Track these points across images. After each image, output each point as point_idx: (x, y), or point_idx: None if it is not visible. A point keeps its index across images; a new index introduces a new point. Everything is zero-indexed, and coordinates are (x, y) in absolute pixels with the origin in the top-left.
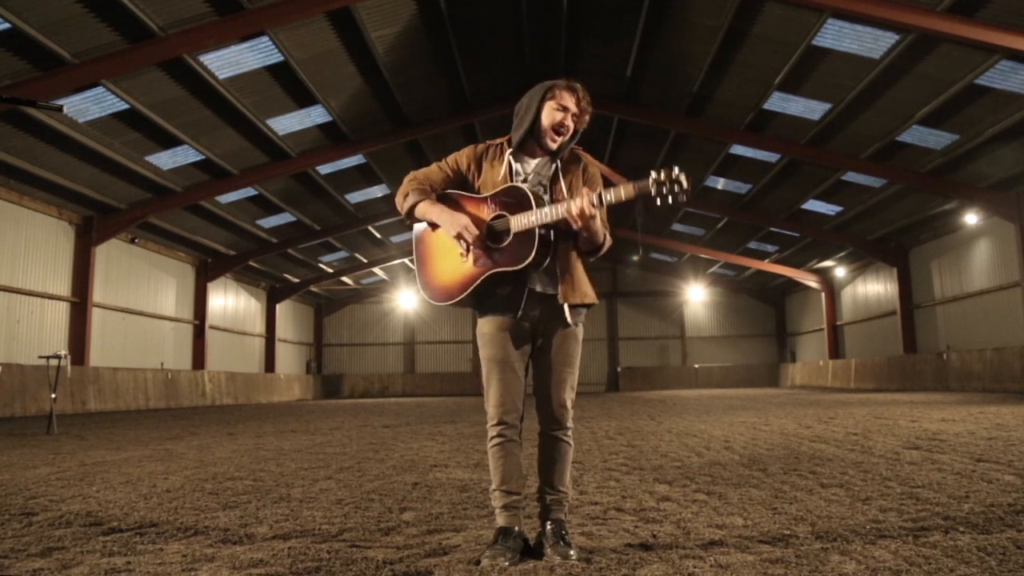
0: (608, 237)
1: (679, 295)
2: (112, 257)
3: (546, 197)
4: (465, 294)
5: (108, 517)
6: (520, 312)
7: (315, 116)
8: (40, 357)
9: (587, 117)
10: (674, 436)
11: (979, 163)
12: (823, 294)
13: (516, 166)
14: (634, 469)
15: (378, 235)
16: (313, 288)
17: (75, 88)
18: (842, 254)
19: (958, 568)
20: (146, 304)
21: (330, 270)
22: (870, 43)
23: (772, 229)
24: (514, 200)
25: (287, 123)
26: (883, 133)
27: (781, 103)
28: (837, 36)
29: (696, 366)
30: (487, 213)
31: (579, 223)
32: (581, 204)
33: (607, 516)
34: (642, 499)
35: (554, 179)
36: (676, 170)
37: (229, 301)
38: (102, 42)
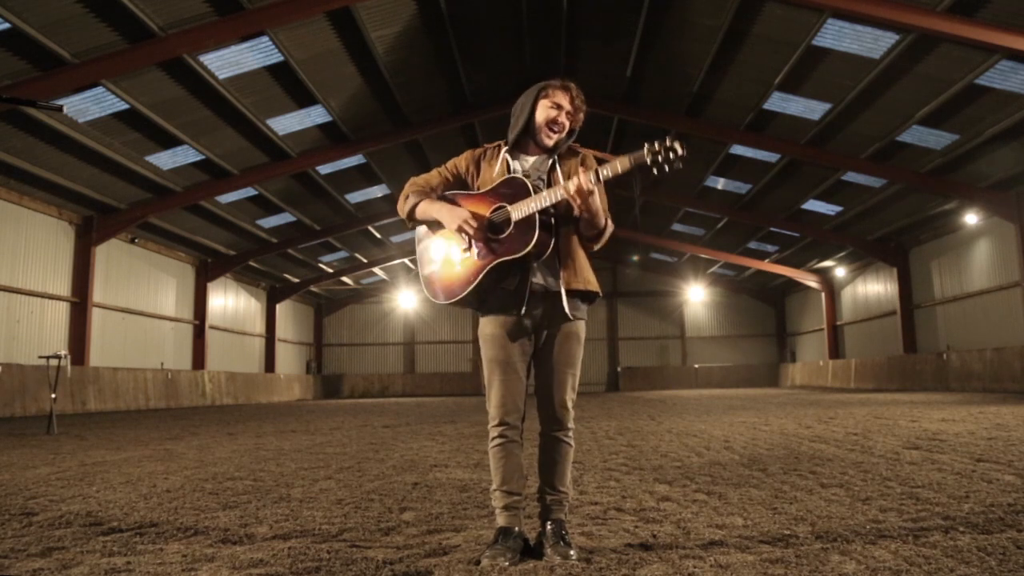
0: (610, 222)
1: (679, 295)
2: (112, 257)
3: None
4: (471, 288)
5: (108, 517)
6: (523, 309)
7: (315, 116)
8: (40, 357)
9: (582, 115)
10: (674, 436)
11: (979, 163)
12: (823, 294)
13: (514, 164)
14: (634, 469)
15: (378, 235)
16: (313, 288)
17: (75, 88)
18: (842, 254)
19: (958, 568)
20: (146, 304)
21: (330, 270)
22: (870, 43)
23: (772, 229)
24: (512, 191)
25: (287, 123)
26: (883, 133)
27: (781, 103)
28: (837, 36)
29: (696, 366)
30: (487, 207)
31: (578, 201)
32: (579, 181)
33: (607, 516)
34: (642, 499)
35: (551, 171)
36: (669, 139)
37: (229, 301)
38: (102, 42)
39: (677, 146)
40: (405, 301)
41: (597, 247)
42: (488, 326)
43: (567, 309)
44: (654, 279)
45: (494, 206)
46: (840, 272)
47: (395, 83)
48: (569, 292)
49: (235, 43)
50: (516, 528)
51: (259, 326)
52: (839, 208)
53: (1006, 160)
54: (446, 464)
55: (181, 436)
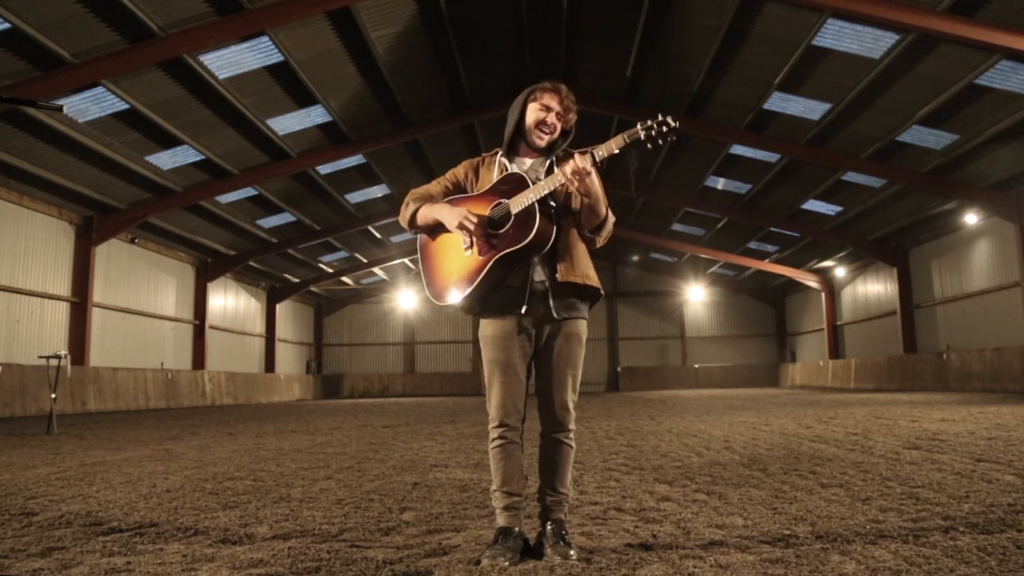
0: (611, 213)
1: (679, 295)
2: (112, 257)
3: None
4: (475, 285)
5: (108, 517)
6: (524, 308)
7: (315, 116)
8: (40, 357)
9: (573, 116)
10: (674, 436)
11: (979, 163)
12: (823, 294)
13: (511, 167)
14: (634, 469)
15: (378, 235)
16: (313, 288)
17: (75, 88)
18: (842, 254)
19: (958, 568)
20: (146, 304)
21: (330, 270)
22: (870, 43)
23: (772, 229)
24: (510, 186)
25: (287, 123)
26: (883, 133)
27: (781, 103)
28: (837, 36)
29: (696, 366)
30: (486, 205)
31: (575, 183)
32: (575, 162)
33: (607, 516)
34: (642, 499)
35: (548, 171)
36: (661, 115)
37: (229, 301)
38: (102, 42)
39: (669, 120)
40: (405, 301)
41: (600, 242)
42: (488, 327)
43: (553, 307)
44: (654, 279)
45: (493, 203)
46: (840, 272)
47: (395, 83)
48: (566, 285)
49: (235, 43)
50: (516, 528)
51: (259, 326)
52: (839, 208)
53: (1006, 160)
54: (446, 464)
55: (181, 436)
